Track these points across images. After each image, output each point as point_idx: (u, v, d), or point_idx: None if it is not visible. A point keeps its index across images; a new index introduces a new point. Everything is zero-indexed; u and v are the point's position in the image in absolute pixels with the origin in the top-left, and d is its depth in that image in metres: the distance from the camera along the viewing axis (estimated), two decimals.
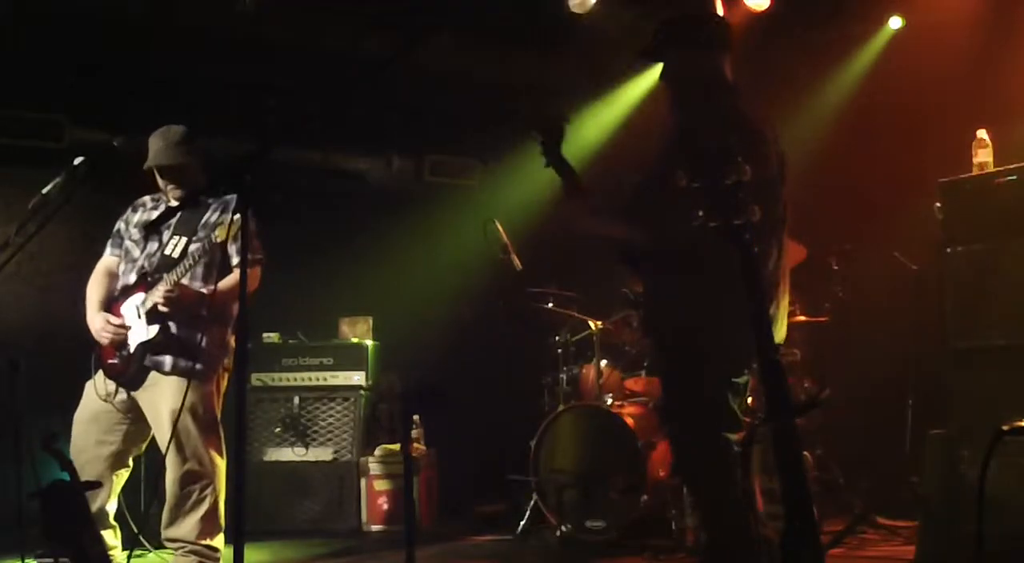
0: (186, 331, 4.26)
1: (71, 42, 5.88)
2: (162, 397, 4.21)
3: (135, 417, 4.32)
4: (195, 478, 4.26)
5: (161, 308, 4.20)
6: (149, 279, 4.30)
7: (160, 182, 4.46)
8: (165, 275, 4.24)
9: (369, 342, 6.33)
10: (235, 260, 4.30)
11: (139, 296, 4.31)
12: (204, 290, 4.27)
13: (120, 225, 4.53)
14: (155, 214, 4.46)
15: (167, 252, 4.33)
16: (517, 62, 6.86)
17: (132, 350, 4.28)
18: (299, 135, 6.39)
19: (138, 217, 4.49)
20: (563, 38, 6.65)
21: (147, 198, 4.55)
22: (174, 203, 4.42)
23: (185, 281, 4.25)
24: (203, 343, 4.21)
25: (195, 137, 4.46)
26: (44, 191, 3.94)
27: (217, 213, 4.37)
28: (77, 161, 4.01)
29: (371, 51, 6.24)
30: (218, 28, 6.04)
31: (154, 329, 4.25)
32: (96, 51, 5.99)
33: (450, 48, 6.25)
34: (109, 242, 4.53)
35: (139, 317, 4.28)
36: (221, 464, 4.30)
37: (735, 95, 3.45)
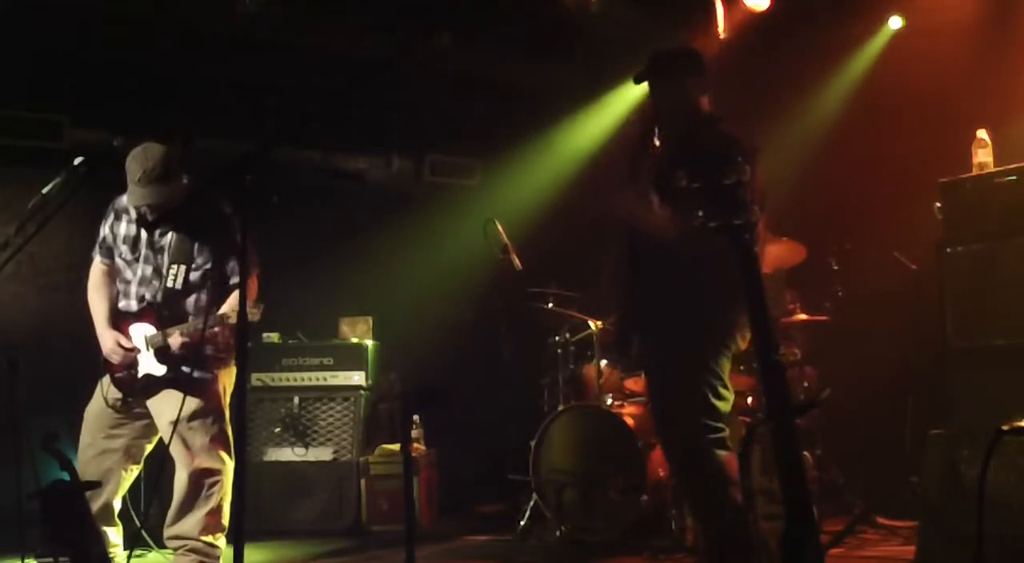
0: (193, 361, 4.27)
1: (71, 42, 5.88)
2: (168, 403, 4.22)
3: (143, 415, 4.34)
4: (205, 475, 4.27)
5: (176, 351, 4.25)
6: (163, 313, 4.29)
7: None
8: (182, 326, 4.24)
9: (369, 342, 6.32)
10: (234, 279, 4.29)
11: (147, 328, 4.30)
12: (216, 328, 4.26)
13: (106, 233, 4.42)
14: (136, 227, 4.36)
15: (169, 284, 4.28)
16: (517, 62, 6.86)
17: (140, 375, 4.30)
18: (299, 135, 6.39)
19: (123, 229, 4.38)
20: (563, 39, 6.65)
21: (127, 201, 4.35)
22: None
23: (191, 307, 4.28)
24: (206, 364, 4.30)
25: (174, 156, 4.24)
26: (44, 191, 3.93)
27: (210, 236, 4.31)
28: (77, 161, 4.00)
29: (371, 51, 6.24)
30: (218, 28, 6.04)
31: (163, 368, 4.28)
32: (96, 51, 5.99)
33: (450, 48, 6.26)
34: (97, 250, 4.44)
35: (147, 349, 4.29)
36: (230, 463, 4.31)
37: (713, 121, 3.65)
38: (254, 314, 4.18)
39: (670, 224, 3.43)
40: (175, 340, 4.23)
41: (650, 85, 3.84)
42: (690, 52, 3.95)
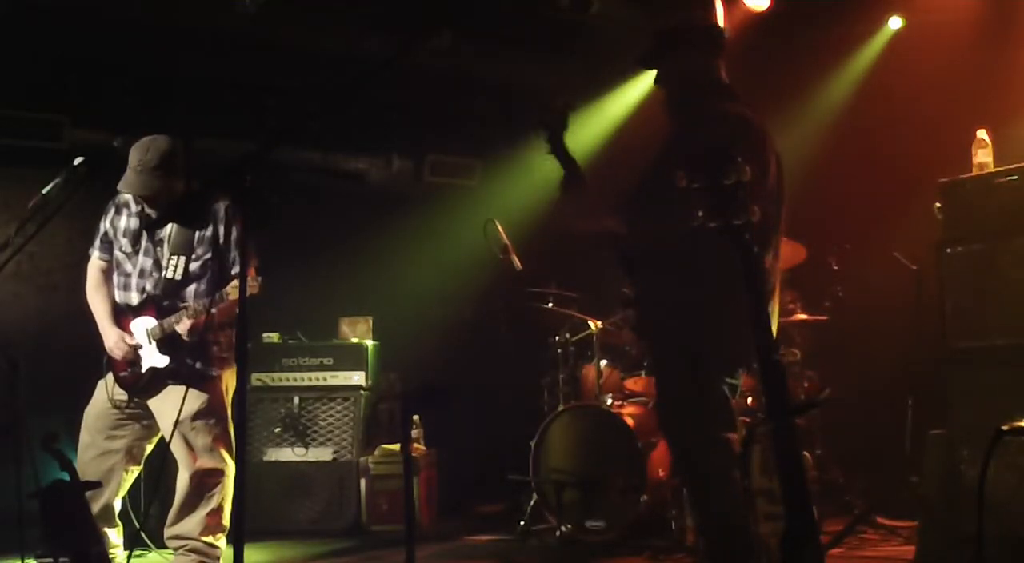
0: (197, 355, 4.29)
1: (71, 42, 5.88)
2: (171, 402, 4.22)
3: (144, 416, 4.34)
4: (207, 475, 4.28)
5: (186, 338, 4.25)
6: (163, 304, 4.30)
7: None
8: (183, 315, 4.24)
9: (369, 342, 6.32)
10: (233, 270, 4.29)
11: (148, 320, 4.31)
12: (215, 310, 4.26)
13: (107, 227, 4.45)
14: (138, 221, 4.39)
15: (169, 275, 4.30)
16: (517, 62, 6.86)
17: (144, 370, 4.30)
18: (299, 135, 6.38)
19: (124, 223, 4.41)
20: (563, 38, 6.65)
21: (128, 196, 4.41)
22: (153, 212, 4.35)
23: (190, 297, 4.30)
24: (210, 361, 4.31)
25: (176, 151, 4.28)
26: (44, 191, 3.94)
27: (210, 228, 4.34)
28: (77, 161, 4.01)
29: (371, 51, 6.24)
30: (218, 28, 6.04)
31: (166, 359, 4.29)
32: (96, 51, 5.99)
33: (450, 48, 6.25)
34: (97, 245, 4.46)
35: (150, 342, 4.30)
36: (232, 463, 4.31)
37: (731, 97, 3.47)
38: (253, 287, 4.19)
39: (632, 230, 3.42)
40: (183, 326, 4.23)
41: (659, 64, 3.55)
42: (697, 24, 3.60)
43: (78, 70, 6.04)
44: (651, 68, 3.60)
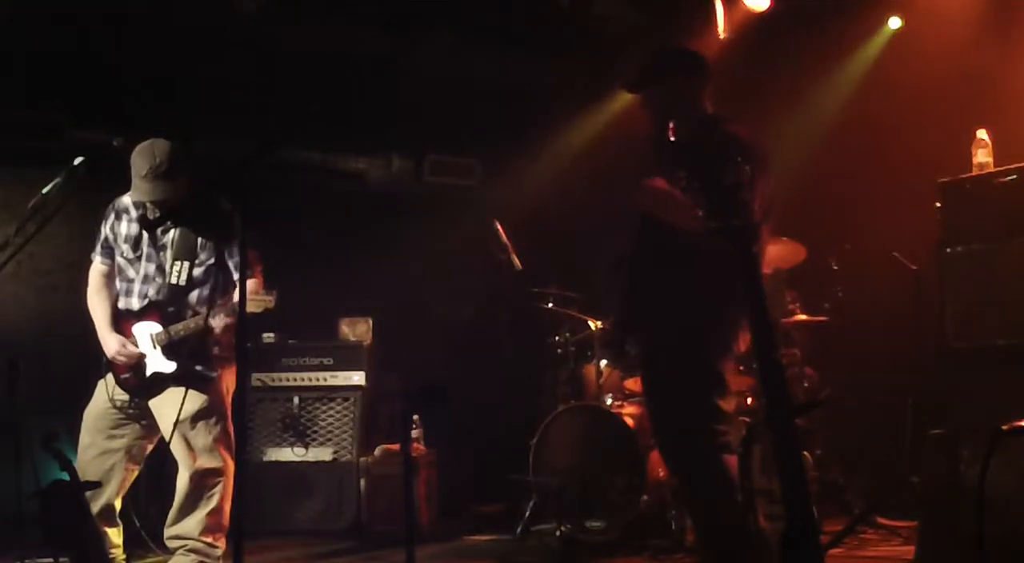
0: (199, 358, 4.29)
1: (71, 42, 5.88)
2: (171, 402, 4.22)
3: (144, 416, 4.34)
4: (207, 475, 4.28)
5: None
6: (168, 310, 4.29)
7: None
8: (188, 322, 4.23)
9: (369, 342, 6.32)
10: (237, 274, 4.27)
11: (153, 326, 4.30)
12: (219, 324, 4.27)
13: (107, 233, 4.42)
14: (138, 226, 4.37)
15: (173, 280, 4.29)
16: (517, 62, 6.87)
17: (148, 374, 4.29)
18: (299, 135, 6.38)
19: (124, 229, 4.38)
20: (563, 39, 6.66)
21: (127, 201, 4.39)
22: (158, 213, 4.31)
23: (194, 302, 4.29)
24: (211, 363, 4.31)
25: (180, 153, 4.24)
26: (44, 191, 3.94)
27: (215, 230, 4.32)
28: (77, 161, 4.01)
29: (371, 51, 6.24)
30: (218, 28, 6.04)
31: (172, 365, 4.28)
32: (96, 51, 5.99)
33: (450, 48, 6.25)
34: (98, 250, 4.44)
35: (154, 347, 4.29)
36: (231, 463, 4.31)
37: (718, 120, 3.54)
38: (268, 302, 4.19)
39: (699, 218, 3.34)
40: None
41: (645, 91, 3.69)
42: (686, 51, 3.79)
43: (78, 70, 6.03)
44: (637, 93, 3.66)
